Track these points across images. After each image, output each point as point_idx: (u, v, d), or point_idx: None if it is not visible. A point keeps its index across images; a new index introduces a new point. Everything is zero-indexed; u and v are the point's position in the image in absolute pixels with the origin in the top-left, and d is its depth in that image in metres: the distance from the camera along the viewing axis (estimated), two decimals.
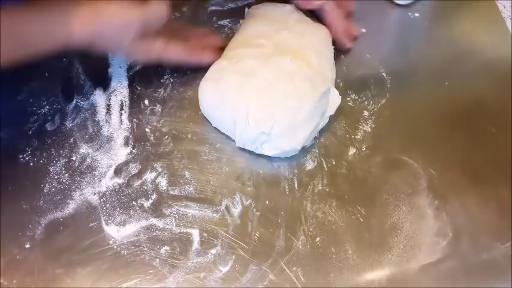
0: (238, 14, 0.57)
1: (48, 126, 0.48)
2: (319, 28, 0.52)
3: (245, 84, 0.45)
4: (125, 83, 0.52)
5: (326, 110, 0.47)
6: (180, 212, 0.43)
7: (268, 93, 0.44)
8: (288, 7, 0.53)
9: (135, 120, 0.49)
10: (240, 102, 0.44)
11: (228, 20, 0.58)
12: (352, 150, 0.48)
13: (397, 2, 0.62)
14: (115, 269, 0.39)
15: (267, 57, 0.46)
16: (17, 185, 0.44)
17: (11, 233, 0.41)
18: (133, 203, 0.43)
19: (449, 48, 0.57)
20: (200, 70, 0.50)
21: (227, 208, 0.43)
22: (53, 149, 0.46)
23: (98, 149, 0.46)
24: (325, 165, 0.47)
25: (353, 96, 0.52)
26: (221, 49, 0.51)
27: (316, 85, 0.45)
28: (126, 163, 0.46)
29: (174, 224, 0.42)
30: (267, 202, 0.44)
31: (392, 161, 0.47)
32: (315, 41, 0.50)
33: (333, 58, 0.51)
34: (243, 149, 0.47)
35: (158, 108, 0.50)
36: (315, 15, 0.54)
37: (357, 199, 0.44)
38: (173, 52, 0.49)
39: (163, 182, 0.45)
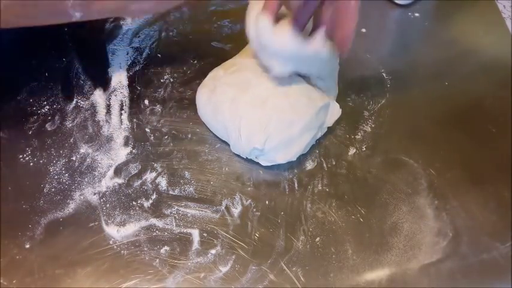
0: (238, 14, 0.57)
1: (48, 126, 0.48)
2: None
3: (238, 98, 0.44)
4: (125, 83, 0.52)
5: (324, 121, 0.46)
6: (180, 212, 0.43)
7: (261, 108, 0.43)
8: None
9: (135, 120, 0.49)
10: (232, 117, 0.44)
11: (228, 20, 0.58)
12: (352, 150, 0.48)
13: (397, 2, 0.62)
14: (115, 269, 0.39)
15: (264, 70, 0.45)
16: (17, 185, 0.43)
17: (11, 233, 0.41)
18: (133, 203, 0.43)
19: (449, 48, 0.58)
20: (200, 70, 0.50)
21: (227, 208, 0.43)
22: (53, 149, 0.46)
23: (98, 149, 0.46)
24: (325, 165, 0.46)
25: (353, 96, 0.52)
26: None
27: (313, 99, 0.45)
28: (126, 163, 0.46)
29: (174, 224, 0.42)
30: (267, 202, 0.44)
31: (392, 161, 0.47)
32: (322, 55, 0.45)
33: (337, 72, 0.49)
34: None
35: (158, 108, 0.50)
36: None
37: (357, 199, 0.44)
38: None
39: (163, 182, 0.45)
